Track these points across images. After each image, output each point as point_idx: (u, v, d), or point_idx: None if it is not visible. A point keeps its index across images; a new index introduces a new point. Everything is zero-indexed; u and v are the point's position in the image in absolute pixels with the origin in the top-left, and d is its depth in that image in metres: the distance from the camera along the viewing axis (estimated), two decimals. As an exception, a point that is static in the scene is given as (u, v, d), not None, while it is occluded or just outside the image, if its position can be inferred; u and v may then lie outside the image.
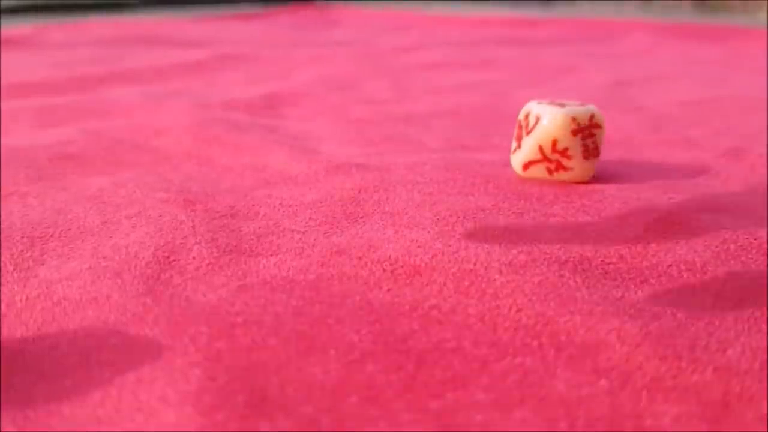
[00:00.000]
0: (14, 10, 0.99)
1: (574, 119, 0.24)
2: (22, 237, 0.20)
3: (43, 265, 0.18)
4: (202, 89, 0.44)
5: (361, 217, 0.21)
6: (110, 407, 0.12)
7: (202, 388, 0.13)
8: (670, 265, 0.18)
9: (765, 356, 0.14)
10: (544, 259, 0.18)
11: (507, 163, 0.28)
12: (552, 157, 0.25)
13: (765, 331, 0.15)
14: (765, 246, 0.19)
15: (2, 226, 0.21)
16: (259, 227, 0.21)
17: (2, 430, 0.12)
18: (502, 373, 0.14)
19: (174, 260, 0.18)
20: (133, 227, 0.20)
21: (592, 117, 0.25)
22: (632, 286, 0.17)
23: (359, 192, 0.23)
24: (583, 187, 0.25)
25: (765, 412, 0.12)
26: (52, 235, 0.20)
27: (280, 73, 0.50)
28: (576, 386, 0.13)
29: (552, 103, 0.25)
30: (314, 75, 0.49)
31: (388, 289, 0.17)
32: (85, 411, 0.12)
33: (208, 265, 0.18)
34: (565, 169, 0.25)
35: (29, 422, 0.12)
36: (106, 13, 0.99)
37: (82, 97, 0.41)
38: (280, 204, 0.22)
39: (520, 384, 0.13)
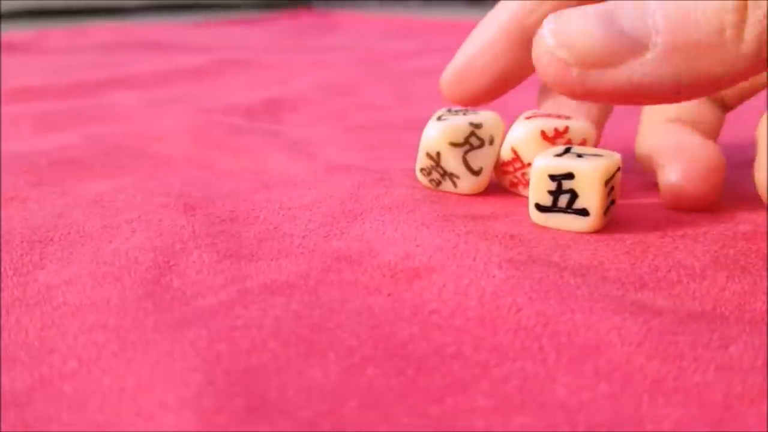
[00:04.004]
0: (15, 15, 1.00)
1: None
2: (22, 241, 0.20)
3: (42, 269, 0.18)
4: (203, 94, 0.44)
5: (360, 215, 0.21)
6: (109, 412, 0.12)
7: (202, 392, 0.13)
8: (669, 270, 0.18)
9: (766, 355, 0.14)
10: (543, 261, 0.18)
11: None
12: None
13: (765, 332, 0.15)
14: (765, 247, 0.19)
15: (2, 230, 0.21)
16: (259, 232, 0.21)
17: (2, 430, 0.12)
18: (503, 377, 0.13)
19: (174, 264, 0.18)
20: (133, 232, 0.20)
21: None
22: (631, 290, 0.17)
23: (358, 188, 0.23)
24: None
25: (766, 411, 0.12)
26: (51, 240, 0.20)
27: (280, 78, 0.50)
28: (577, 390, 0.13)
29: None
30: (314, 80, 0.49)
31: (388, 294, 0.17)
32: (84, 416, 0.12)
33: (208, 269, 0.18)
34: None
35: (28, 426, 0.12)
36: (106, 19, 1.00)
37: (82, 102, 0.41)
38: (280, 208, 0.22)
39: (521, 388, 0.13)
